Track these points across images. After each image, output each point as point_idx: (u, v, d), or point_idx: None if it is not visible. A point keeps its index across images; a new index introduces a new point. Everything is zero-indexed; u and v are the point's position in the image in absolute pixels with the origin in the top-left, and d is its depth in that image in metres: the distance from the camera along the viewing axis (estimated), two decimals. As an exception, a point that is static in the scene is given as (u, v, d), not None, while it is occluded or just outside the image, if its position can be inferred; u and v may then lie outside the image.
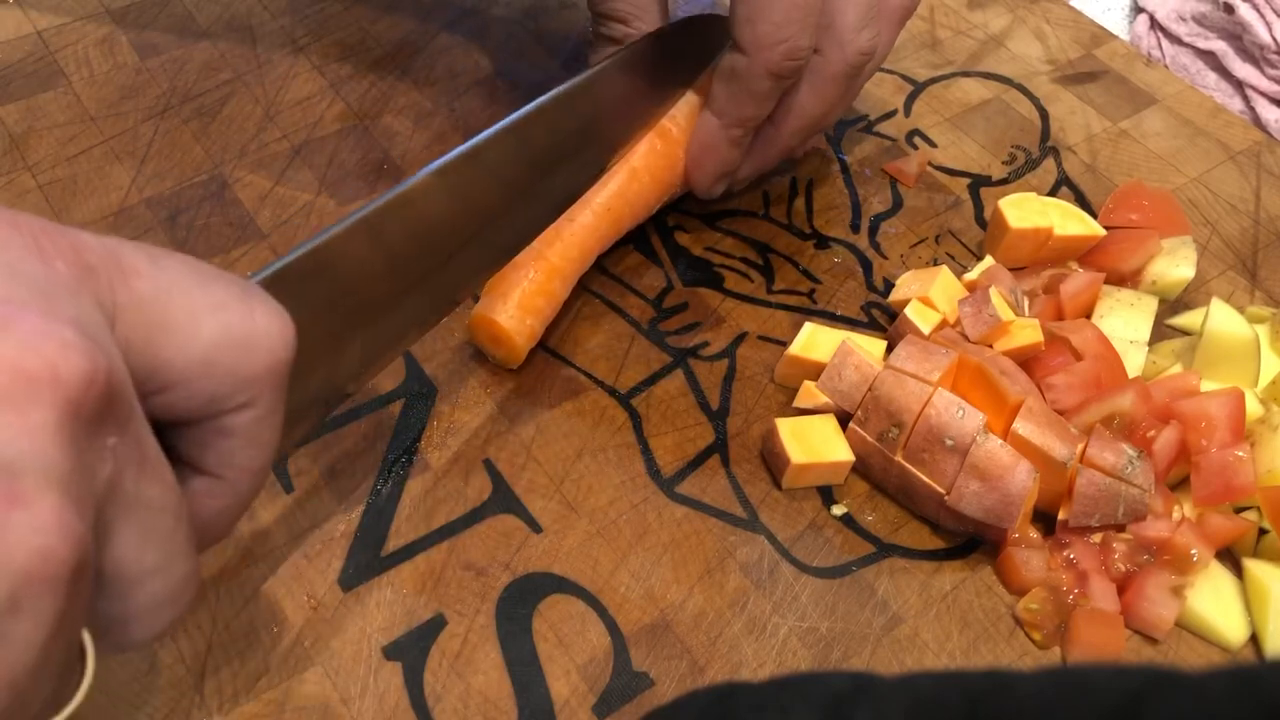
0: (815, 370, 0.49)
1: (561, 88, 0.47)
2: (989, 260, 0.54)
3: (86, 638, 0.25)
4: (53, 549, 0.21)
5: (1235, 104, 0.72)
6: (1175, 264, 0.54)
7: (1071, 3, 0.73)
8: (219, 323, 0.27)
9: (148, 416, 0.25)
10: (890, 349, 0.50)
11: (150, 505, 0.25)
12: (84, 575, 0.22)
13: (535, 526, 0.45)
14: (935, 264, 0.56)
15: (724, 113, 0.50)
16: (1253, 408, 0.48)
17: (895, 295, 0.53)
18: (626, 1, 0.52)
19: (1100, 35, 0.71)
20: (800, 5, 0.45)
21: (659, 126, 0.52)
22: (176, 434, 0.28)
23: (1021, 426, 0.44)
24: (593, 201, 0.50)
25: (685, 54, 0.53)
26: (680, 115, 0.52)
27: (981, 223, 0.59)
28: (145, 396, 0.25)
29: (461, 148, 0.41)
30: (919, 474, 0.45)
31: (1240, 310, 0.51)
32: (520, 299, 0.47)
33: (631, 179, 0.51)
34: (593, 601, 0.43)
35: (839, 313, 0.54)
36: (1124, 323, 0.52)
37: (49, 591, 0.21)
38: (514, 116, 0.44)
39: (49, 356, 0.22)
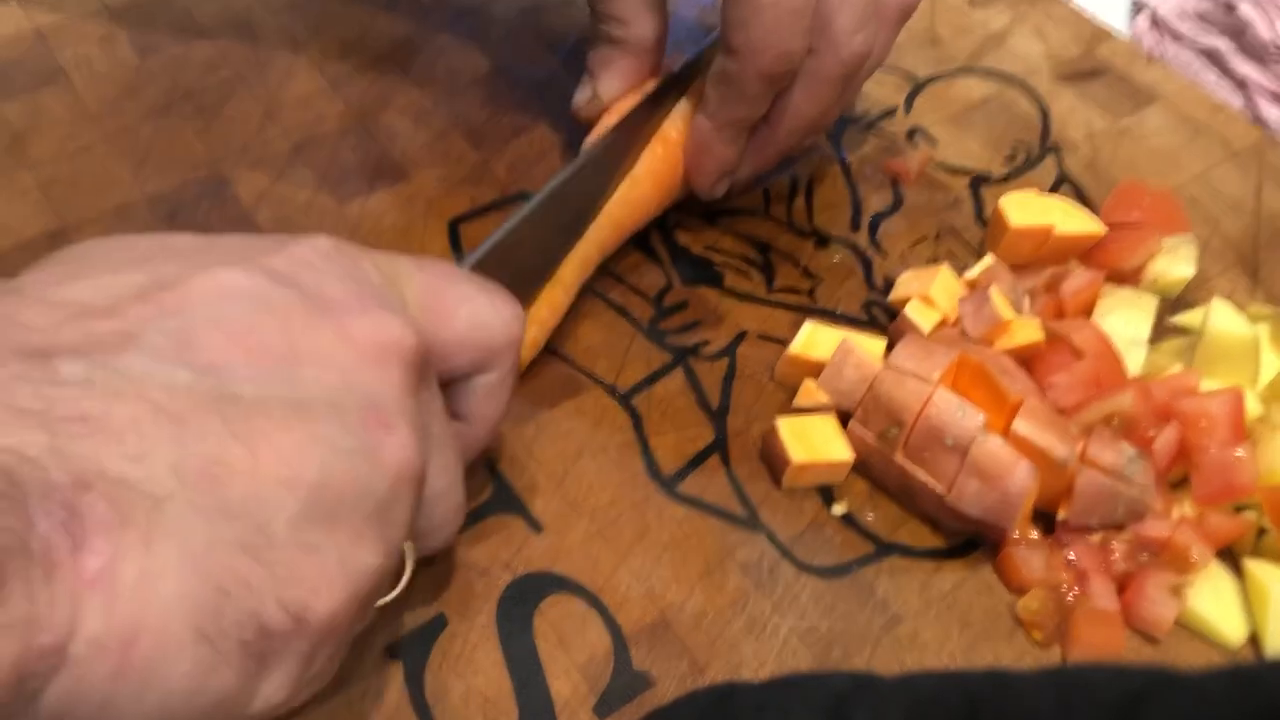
0: (815, 369, 0.49)
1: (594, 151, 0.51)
2: (989, 259, 0.54)
3: (407, 543, 0.34)
4: (411, 461, 0.31)
5: (1236, 101, 0.72)
6: (1176, 262, 0.54)
7: (1072, 0, 0.73)
8: (470, 311, 0.36)
9: None
10: (890, 348, 0.50)
11: (444, 443, 0.34)
12: (423, 482, 0.32)
13: (535, 526, 0.45)
14: (935, 262, 0.56)
15: (717, 115, 0.50)
16: (1253, 407, 0.48)
17: (895, 294, 0.53)
18: (625, 3, 0.52)
19: (1101, 33, 0.71)
20: (792, 8, 0.45)
21: (660, 132, 0.52)
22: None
23: (1021, 425, 0.44)
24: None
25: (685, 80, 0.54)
26: (680, 120, 0.52)
27: (982, 221, 0.59)
28: None
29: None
30: (919, 473, 0.45)
31: (1241, 309, 0.51)
32: (526, 307, 0.47)
33: (633, 186, 0.51)
34: (593, 601, 0.43)
35: (839, 311, 0.54)
36: (1124, 321, 0.52)
37: (410, 488, 0.31)
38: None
39: (394, 331, 0.31)
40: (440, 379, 0.36)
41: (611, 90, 0.53)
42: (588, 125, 0.54)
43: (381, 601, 0.33)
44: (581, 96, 0.54)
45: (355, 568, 0.29)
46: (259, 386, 0.28)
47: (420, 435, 0.31)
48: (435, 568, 0.43)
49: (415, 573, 0.35)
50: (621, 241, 0.52)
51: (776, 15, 0.45)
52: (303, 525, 0.28)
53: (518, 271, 0.46)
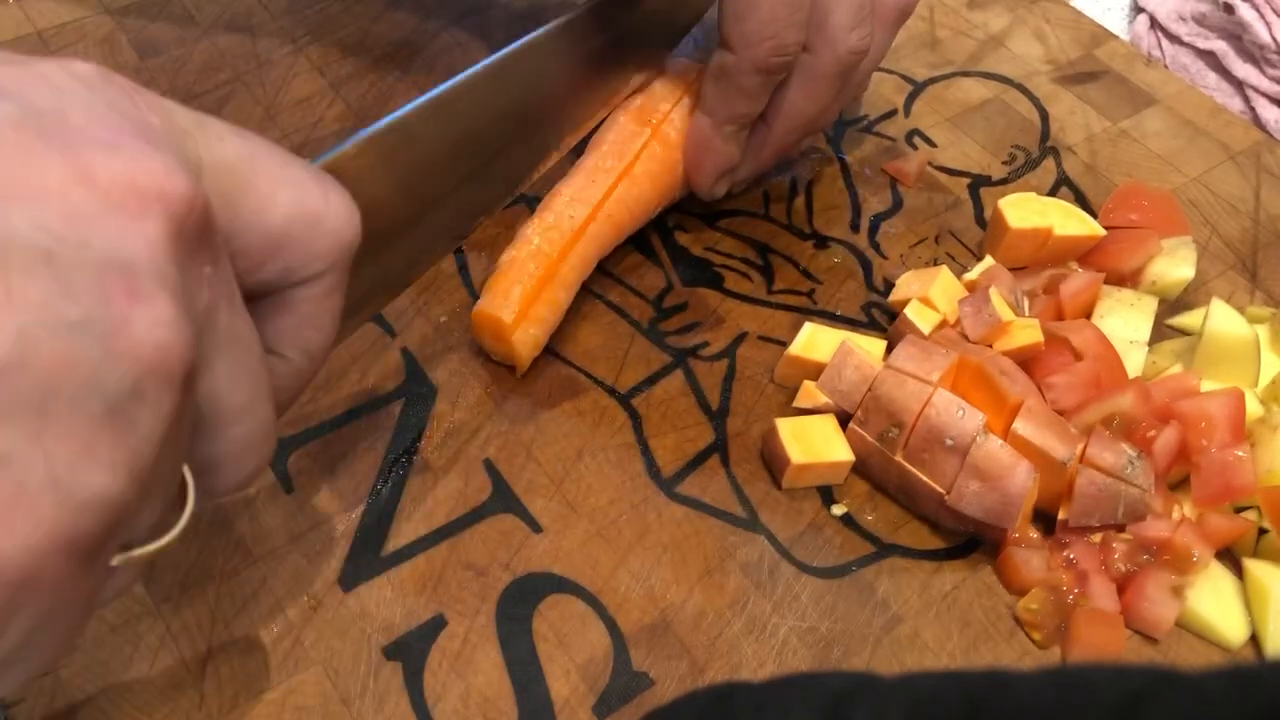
0: (815, 370, 0.49)
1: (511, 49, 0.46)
2: (989, 260, 0.54)
3: (187, 473, 0.27)
4: (170, 344, 0.23)
5: (1235, 104, 0.72)
6: (1175, 264, 0.54)
7: (1071, 3, 0.73)
8: (294, 198, 0.29)
9: None
10: (890, 349, 0.50)
11: (239, 342, 0.27)
12: (190, 384, 0.24)
13: (535, 526, 0.45)
14: (935, 264, 0.56)
15: (715, 111, 0.50)
16: (1253, 408, 0.48)
17: (895, 295, 0.53)
18: None
19: (1100, 35, 0.71)
20: (787, 2, 0.45)
21: (658, 131, 0.52)
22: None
23: (1021, 426, 0.44)
24: (594, 207, 0.50)
25: (647, 25, 0.53)
26: (677, 119, 0.52)
27: (981, 223, 0.59)
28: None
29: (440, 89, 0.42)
30: (919, 474, 0.45)
31: (1240, 310, 0.51)
32: (522, 304, 0.47)
33: (631, 184, 0.51)
34: (593, 601, 0.43)
35: (839, 313, 0.54)
36: (1124, 323, 0.52)
37: (166, 386, 0.23)
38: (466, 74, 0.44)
39: (156, 175, 0.24)
40: (247, 290, 0.28)
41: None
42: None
43: (150, 548, 0.25)
44: None
45: (72, 491, 0.21)
46: None
47: (188, 315, 0.24)
48: (435, 568, 0.43)
49: (201, 518, 0.29)
50: (620, 241, 0.52)
51: (772, 8, 0.45)
52: None
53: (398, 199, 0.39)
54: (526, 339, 0.47)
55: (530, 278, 0.47)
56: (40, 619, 0.22)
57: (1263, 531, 0.46)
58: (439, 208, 0.43)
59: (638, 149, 0.51)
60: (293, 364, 0.31)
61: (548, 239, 0.48)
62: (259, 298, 0.29)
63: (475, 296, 0.52)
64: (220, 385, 0.26)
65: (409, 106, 0.40)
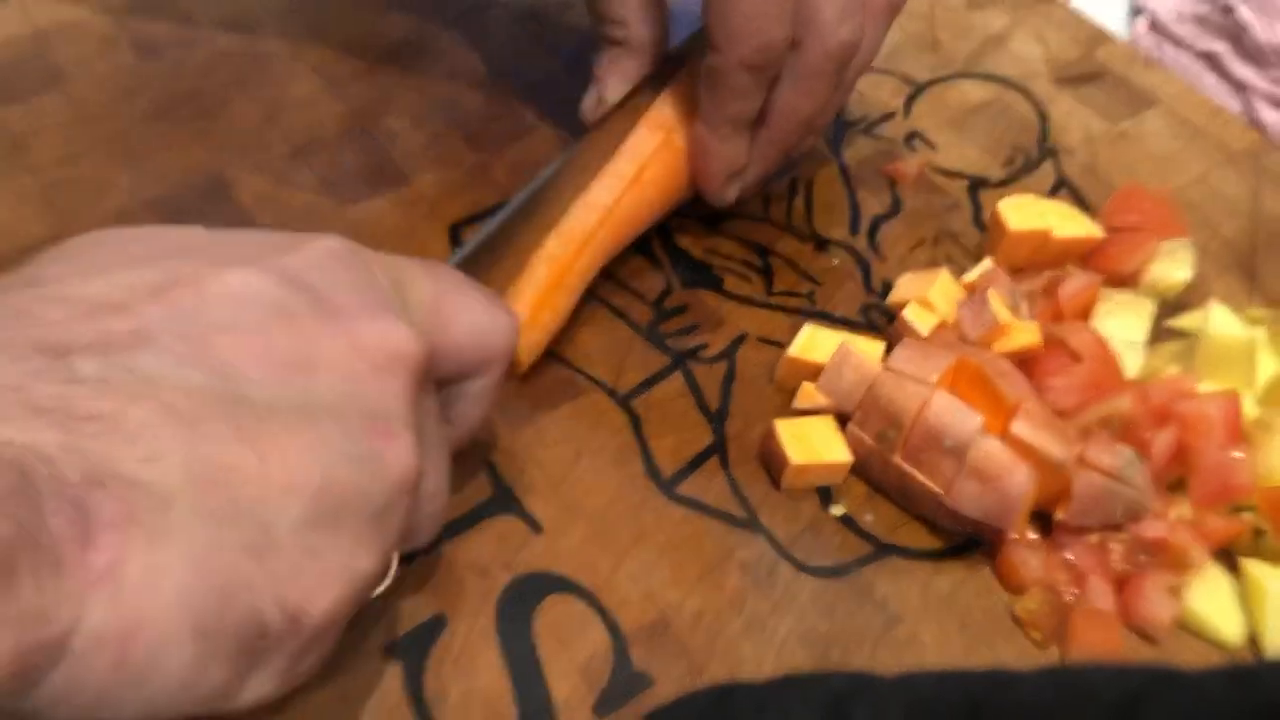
0: (814, 372, 0.49)
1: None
2: (988, 262, 0.54)
3: None
4: (410, 469, 0.31)
5: (1235, 105, 0.72)
6: (1174, 266, 0.54)
7: (1071, 3, 0.74)
8: (471, 318, 0.37)
9: None
10: (889, 350, 0.50)
11: (437, 446, 0.35)
12: (417, 490, 0.32)
13: (535, 527, 0.45)
14: (934, 266, 0.56)
15: (710, 115, 0.50)
16: (1250, 410, 0.48)
17: (894, 297, 0.53)
18: (620, 4, 0.52)
19: (1099, 36, 0.71)
20: None
21: (666, 138, 0.52)
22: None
23: (1020, 428, 0.44)
24: (604, 213, 0.50)
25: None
26: (683, 126, 0.52)
27: (980, 225, 0.59)
28: None
29: None
30: (918, 475, 0.45)
31: (1239, 312, 0.51)
32: (533, 309, 0.47)
33: (640, 191, 0.51)
34: (593, 601, 0.43)
35: (838, 314, 0.54)
36: (1122, 324, 0.52)
37: (405, 497, 0.32)
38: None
39: (402, 340, 0.32)
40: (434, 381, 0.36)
41: (617, 93, 0.53)
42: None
43: (380, 589, 0.34)
44: (589, 102, 0.54)
45: (352, 570, 0.30)
46: (268, 390, 0.29)
47: (419, 442, 0.32)
48: (435, 568, 0.43)
49: (399, 569, 0.36)
50: (624, 246, 0.52)
51: (755, 4, 0.45)
52: (305, 529, 0.28)
53: (505, 263, 0.47)
54: (530, 344, 0.47)
55: (542, 282, 0.48)
56: (323, 649, 0.31)
57: (1260, 532, 0.46)
58: None
59: (649, 155, 0.51)
60: (458, 431, 0.39)
61: (562, 244, 0.49)
62: (441, 385, 0.37)
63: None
64: (428, 480, 0.34)
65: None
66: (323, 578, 0.29)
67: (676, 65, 0.54)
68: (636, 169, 0.51)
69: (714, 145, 0.51)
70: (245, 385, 0.28)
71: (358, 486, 0.29)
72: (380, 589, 0.34)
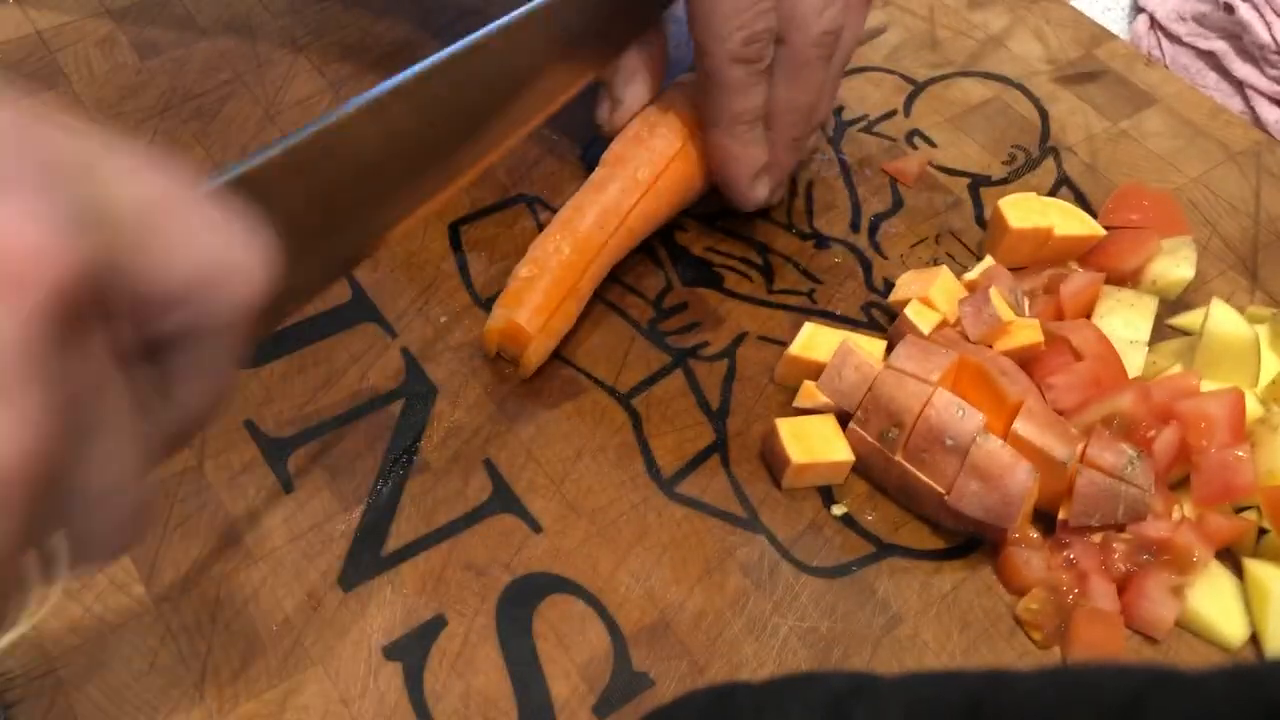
0: (815, 370, 0.49)
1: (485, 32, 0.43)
2: (989, 260, 0.54)
3: (58, 550, 0.24)
4: (26, 454, 0.20)
5: (1235, 104, 0.72)
6: (1175, 264, 0.54)
7: (1072, 2, 0.73)
8: (198, 244, 0.24)
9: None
10: (890, 349, 0.50)
11: (118, 425, 0.24)
12: (52, 485, 0.21)
13: (535, 526, 0.45)
14: (935, 264, 0.56)
15: (716, 119, 0.50)
16: (1252, 408, 0.48)
17: (895, 295, 0.53)
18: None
19: (1100, 35, 0.71)
20: None
21: (683, 147, 0.52)
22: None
23: (1021, 426, 0.44)
24: (619, 219, 0.50)
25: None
26: (700, 132, 0.53)
27: (981, 223, 0.59)
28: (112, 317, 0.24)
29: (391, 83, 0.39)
30: (919, 474, 0.45)
31: (1240, 310, 0.51)
32: (547, 315, 0.48)
33: (654, 199, 0.52)
34: (593, 601, 0.43)
35: (839, 313, 0.54)
36: (1124, 323, 0.52)
37: (17, 496, 0.20)
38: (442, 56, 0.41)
39: (36, 238, 0.20)
40: (139, 337, 0.25)
41: (638, 96, 0.53)
42: (608, 139, 0.54)
43: (15, 633, 0.25)
44: (603, 111, 0.54)
45: None
46: None
47: (56, 413, 0.21)
48: (435, 568, 0.43)
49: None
50: (631, 250, 0.53)
51: (732, 2, 0.46)
52: None
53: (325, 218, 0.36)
54: (539, 349, 0.48)
55: (558, 287, 0.48)
56: None
57: (1263, 531, 0.46)
58: (363, 214, 0.40)
59: (665, 161, 0.52)
60: (181, 413, 0.27)
61: (579, 250, 0.49)
62: (151, 346, 0.26)
63: (475, 296, 0.52)
64: (90, 470, 0.23)
65: (348, 106, 0.36)
66: None
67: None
68: (652, 175, 0.51)
69: (732, 148, 0.51)
70: None
71: None
72: (18, 630, 0.25)
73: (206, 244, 0.24)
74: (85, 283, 0.21)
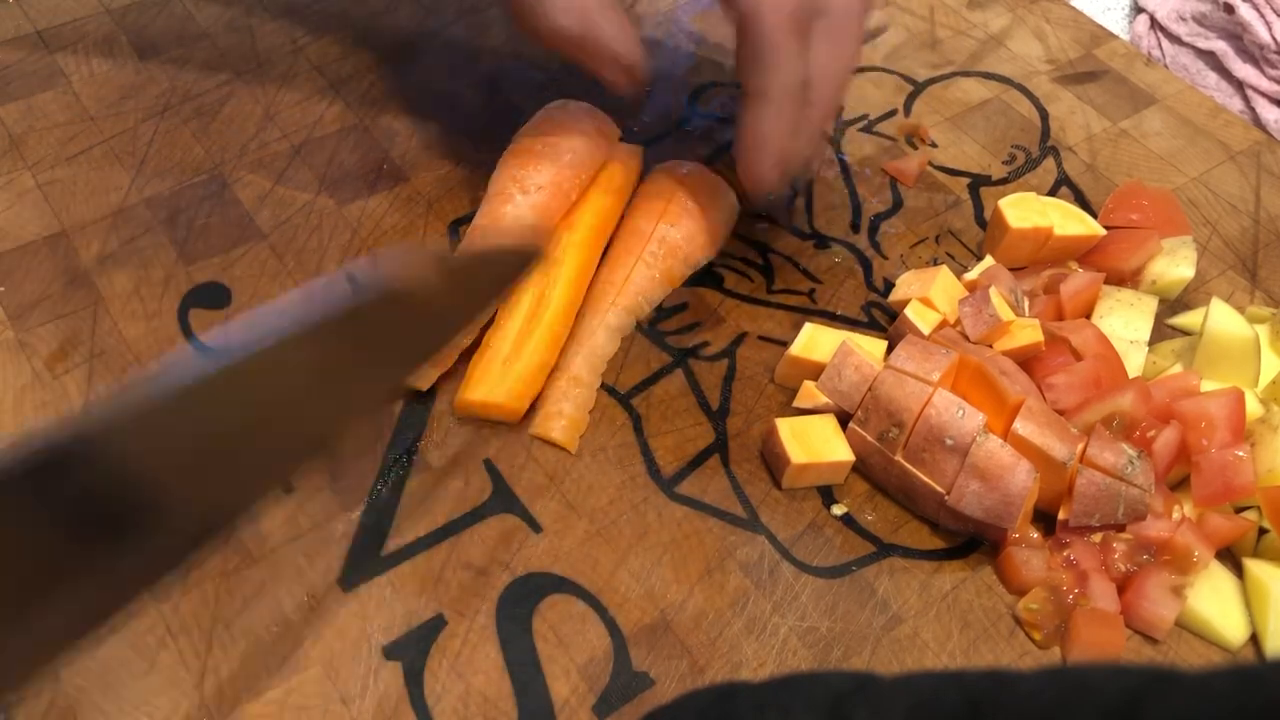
0: (815, 370, 0.49)
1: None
2: (989, 260, 0.54)
3: None
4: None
5: (1235, 104, 0.72)
6: (1175, 264, 0.54)
7: (1071, 2, 0.73)
8: None
9: None
10: (890, 349, 0.50)
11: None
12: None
13: (535, 526, 0.45)
14: (935, 264, 0.56)
15: (765, 90, 0.48)
16: (1253, 408, 0.48)
17: (895, 295, 0.53)
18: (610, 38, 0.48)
19: (1100, 35, 0.71)
20: None
21: (659, 233, 0.53)
22: None
23: (1021, 426, 0.44)
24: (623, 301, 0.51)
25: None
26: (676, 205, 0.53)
27: (981, 223, 0.59)
28: None
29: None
30: (919, 474, 0.45)
31: (1240, 310, 0.51)
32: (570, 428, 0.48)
33: (696, 248, 0.53)
34: (593, 601, 0.43)
35: (839, 313, 0.54)
36: (1124, 323, 0.52)
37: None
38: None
39: None
40: None
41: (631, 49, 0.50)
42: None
43: None
44: (620, 87, 0.50)
45: None
46: None
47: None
48: (435, 568, 0.43)
49: None
50: None
51: None
52: None
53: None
54: (577, 406, 0.49)
55: (581, 406, 0.48)
56: None
57: (1263, 531, 0.46)
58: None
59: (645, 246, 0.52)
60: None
61: (591, 369, 0.49)
62: None
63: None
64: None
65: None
66: None
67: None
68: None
69: (771, 124, 0.49)
70: None
71: None
72: None
73: None
74: None
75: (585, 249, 0.52)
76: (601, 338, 0.49)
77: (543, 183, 0.51)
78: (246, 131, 0.59)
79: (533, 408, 0.48)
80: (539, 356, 0.48)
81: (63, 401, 0.47)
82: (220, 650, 0.41)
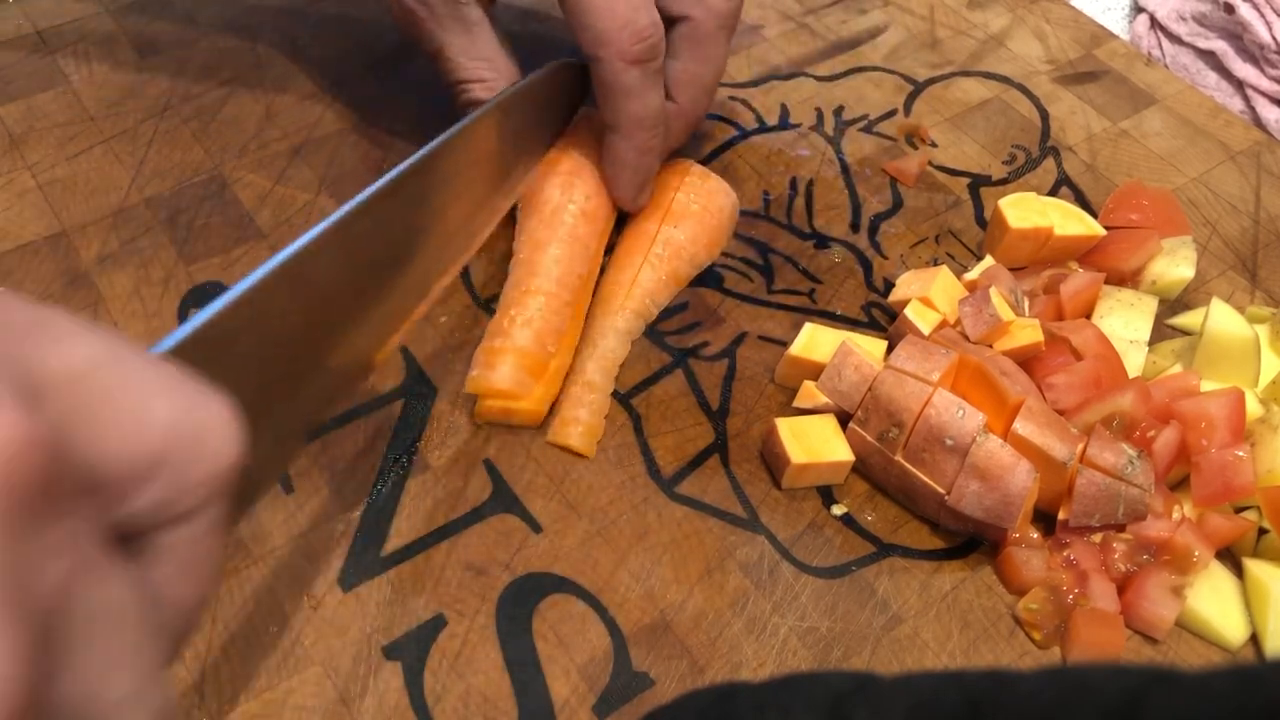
0: (815, 370, 0.49)
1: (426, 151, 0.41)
2: (989, 260, 0.54)
3: None
4: (7, 675, 0.16)
5: (1235, 104, 0.72)
6: (1175, 264, 0.54)
7: (1071, 2, 0.73)
8: (170, 410, 0.21)
9: None
10: (890, 349, 0.50)
11: (113, 615, 0.19)
12: (44, 707, 0.18)
13: (535, 526, 0.45)
14: (935, 264, 0.56)
15: (618, 124, 0.49)
16: (1252, 408, 0.48)
17: (895, 295, 0.53)
18: (476, 65, 0.51)
19: (1100, 35, 0.71)
20: None
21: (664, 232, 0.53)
22: None
23: (1021, 426, 0.44)
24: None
25: (552, 102, 0.52)
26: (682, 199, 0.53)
27: (981, 223, 0.59)
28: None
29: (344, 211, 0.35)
30: (919, 474, 0.45)
31: (1240, 310, 0.51)
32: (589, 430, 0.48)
33: (702, 251, 0.53)
34: (593, 601, 0.43)
35: (839, 313, 0.54)
36: (1124, 323, 0.52)
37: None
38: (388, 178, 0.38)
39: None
40: (115, 527, 0.21)
41: None
42: None
43: None
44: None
45: None
46: None
47: (24, 627, 0.17)
48: (435, 568, 0.43)
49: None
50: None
51: (609, 2, 0.46)
52: None
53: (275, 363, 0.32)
54: (589, 423, 0.48)
55: (597, 412, 0.48)
56: None
57: (1263, 531, 0.46)
58: (339, 339, 0.35)
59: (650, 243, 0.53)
60: (167, 613, 0.22)
61: (604, 374, 0.49)
62: (126, 539, 0.21)
63: (475, 297, 0.52)
64: (90, 678, 0.19)
65: (303, 240, 0.32)
66: None
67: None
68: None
69: (629, 155, 0.50)
70: None
71: None
72: None
73: (163, 406, 0.21)
74: (45, 459, 0.17)
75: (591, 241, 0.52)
76: (612, 341, 0.49)
77: (590, 192, 0.52)
78: (246, 131, 0.59)
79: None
80: (563, 359, 0.48)
81: (63, 401, 0.46)
82: (220, 650, 0.41)
